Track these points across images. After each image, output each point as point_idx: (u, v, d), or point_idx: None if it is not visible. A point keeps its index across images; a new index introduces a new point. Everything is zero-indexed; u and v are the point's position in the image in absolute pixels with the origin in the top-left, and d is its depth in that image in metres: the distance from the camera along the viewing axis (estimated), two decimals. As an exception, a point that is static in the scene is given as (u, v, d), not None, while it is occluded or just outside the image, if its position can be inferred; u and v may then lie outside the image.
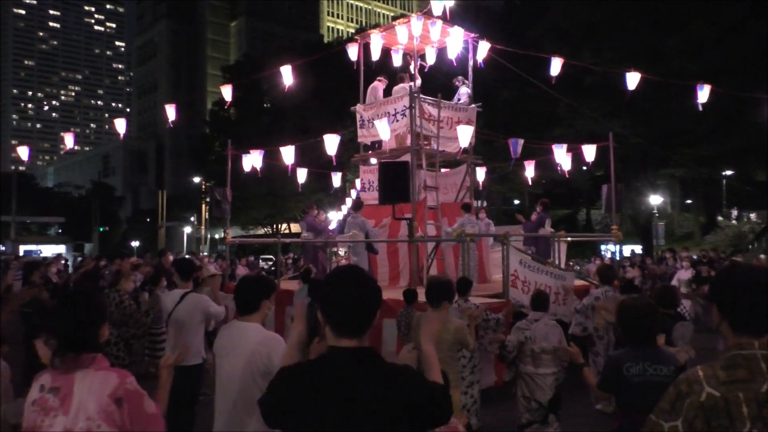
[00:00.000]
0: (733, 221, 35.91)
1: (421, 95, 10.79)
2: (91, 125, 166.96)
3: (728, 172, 34.23)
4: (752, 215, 34.70)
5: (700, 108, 11.44)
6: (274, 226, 50.40)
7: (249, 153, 13.62)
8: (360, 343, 1.87)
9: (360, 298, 1.87)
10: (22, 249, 36.05)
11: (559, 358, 5.40)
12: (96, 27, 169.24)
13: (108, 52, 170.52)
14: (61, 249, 44.14)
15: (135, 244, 62.12)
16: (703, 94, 11.20)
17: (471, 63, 12.17)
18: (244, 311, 3.25)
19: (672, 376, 3.24)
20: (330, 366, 1.84)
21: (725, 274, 2.02)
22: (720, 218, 37.19)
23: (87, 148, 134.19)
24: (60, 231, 60.12)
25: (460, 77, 12.42)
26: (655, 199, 33.84)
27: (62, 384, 2.30)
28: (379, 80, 12.12)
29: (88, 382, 2.28)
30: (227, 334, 3.26)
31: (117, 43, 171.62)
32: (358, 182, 13.90)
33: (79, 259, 23.42)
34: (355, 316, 1.87)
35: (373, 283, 1.96)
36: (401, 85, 11.47)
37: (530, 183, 17.01)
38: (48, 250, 40.18)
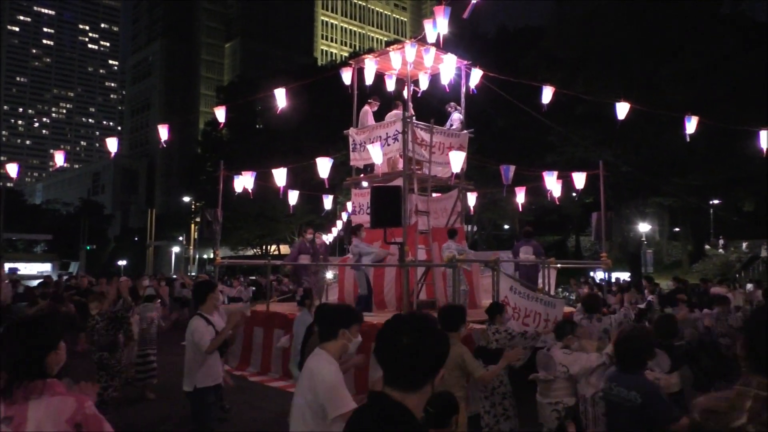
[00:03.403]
0: (720, 250, 36.19)
1: (414, 120, 10.85)
2: (82, 143, 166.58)
3: (716, 202, 34.58)
4: (744, 244, 34.95)
5: (688, 139, 11.62)
6: (264, 247, 50.21)
7: (241, 174, 13.60)
8: (405, 397, 1.69)
9: (411, 347, 1.70)
10: (7, 266, 35.65)
11: (561, 390, 5.33)
12: (90, 45, 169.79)
13: (101, 71, 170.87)
14: (46, 267, 43.71)
15: (122, 263, 61.64)
16: (691, 125, 11.37)
17: (464, 89, 12.27)
18: (322, 338, 3.23)
19: (637, 402, 3.35)
20: (363, 416, 1.76)
21: (762, 313, 2.06)
22: (707, 247, 37.49)
23: (77, 166, 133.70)
24: (46, 249, 59.53)
25: (452, 103, 12.52)
26: (644, 227, 34.07)
27: (15, 413, 2.22)
28: (369, 103, 12.18)
29: (44, 409, 2.22)
30: (307, 360, 3.24)
31: (111, 61, 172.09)
32: (349, 205, 13.89)
33: (65, 278, 23.11)
34: (404, 367, 1.71)
35: (435, 332, 1.78)
36: (394, 111, 11.54)
37: (521, 209, 17.07)
38: (33, 268, 39.81)
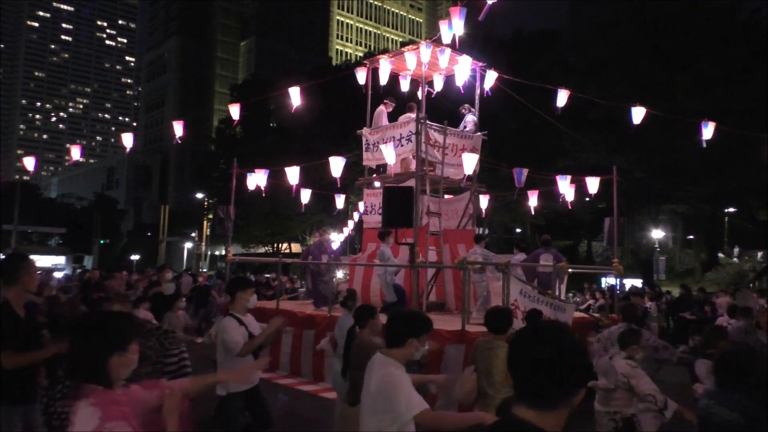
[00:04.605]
0: (734, 259, 35.83)
1: (428, 121, 10.85)
2: (98, 138, 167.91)
3: (730, 210, 34.26)
4: (759, 254, 34.57)
5: (704, 145, 11.51)
6: (275, 245, 50.37)
7: (254, 172, 13.67)
8: (540, 417, 1.52)
9: (551, 359, 1.52)
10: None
11: (621, 400, 5.24)
12: (107, 41, 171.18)
13: (118, 67, 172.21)
14: (60, 260, 44.10)
15: (135, 257, 62.07)
16: (708, 131, 11.27)
17: (478, 91, 12.25)
18: (389, 344, 3.20)
19: (739, 424, 3.20)
20: None
21: None
22: (721, 256, 37.14)
23: (92, 161, 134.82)
24: (60, 242, 60.07)
25: (466, 105, 12.49)
26: (657, 234, 33.81)
27: (73, 412, 2.21)
28: (385, 103, 12.19)
29: (80, 416, 2.17)
30: (369, 367, 3.22)
31: (127, 57, 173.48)
32: (361, 205, 13.91)
33: (78, 271, 23.33)
34: (541, 381, 1.53)
35: (577, 344, 1.59)
36: (408, 114, 11.54)
37: (533, 213, 17.01)
38: (48, 261, 40.18)
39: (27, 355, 3.81)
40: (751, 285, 29.51)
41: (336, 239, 20.30)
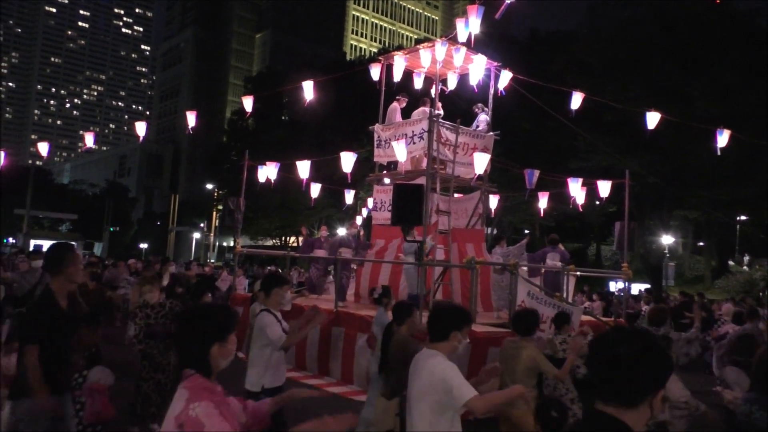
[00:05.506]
0: (745, 267, 35.56)
1: (440, 120, 10.81)
2: (111, 125, 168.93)
3: (743, 218, 33.97)
4: None
5: (719, 152, 11.42)
6: (284, 238, 50.49)
7: (265, 164, 13.68)
8: (621, 415, 1.62)
9: (632, 360, 1.60)
10: (33, 243, 36.23)
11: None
12: (124, 29, 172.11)
13: (133, 55, 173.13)
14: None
15: (144, 245, 62.47)
16: (723, 139, 11.18)
17: (492, 91, 12.18)
18: (432, 338, 3.25)
19: None
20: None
21: None
22: (731, 263, 36.86)
23: (105, 148, 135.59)
24: (71, 228, 60.46)
25: (479, 104, 12.44)
26: (668, 240, 33.59)
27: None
28: (398, 100, 12.16)
29: (174, 398, 2.22)
30: (414, 362, 3.28)
31: (143, 46, 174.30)
32: (370, 201, 13.90)
33: (86, 256, 23.45)
34: (621, 380, 1.61)
35: (658, 347, 1.66)
36: (421, 108, 11.50)
37: (542, 214, 16.94)
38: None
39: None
40: (761, 294, 29.26)
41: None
